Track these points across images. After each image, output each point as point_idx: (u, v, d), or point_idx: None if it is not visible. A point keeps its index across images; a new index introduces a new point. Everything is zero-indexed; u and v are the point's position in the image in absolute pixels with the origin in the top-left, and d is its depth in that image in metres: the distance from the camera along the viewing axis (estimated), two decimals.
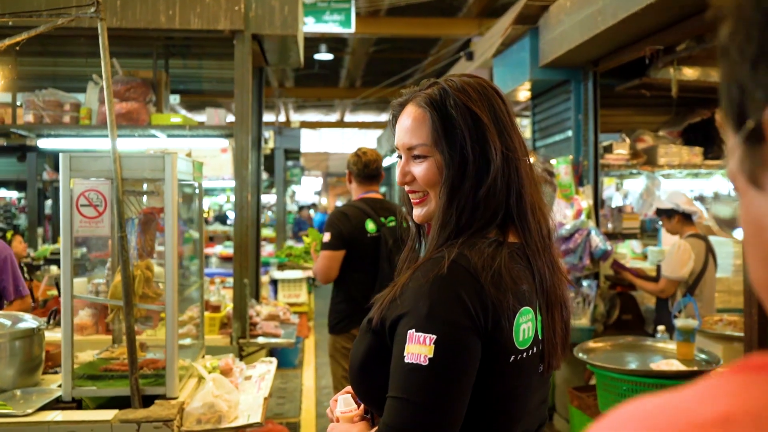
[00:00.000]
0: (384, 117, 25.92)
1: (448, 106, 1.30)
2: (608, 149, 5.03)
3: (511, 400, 1.26)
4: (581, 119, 4.88)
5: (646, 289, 4.53)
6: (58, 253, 7.49)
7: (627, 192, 5.90)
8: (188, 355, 3.61)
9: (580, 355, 3.41)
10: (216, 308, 4.73)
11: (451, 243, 1.27)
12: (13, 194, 12.57)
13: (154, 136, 5.15)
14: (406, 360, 1.17)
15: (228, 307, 4.79)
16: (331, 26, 12.89)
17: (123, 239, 2.90)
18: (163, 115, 4.75)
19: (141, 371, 3.12)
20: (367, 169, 4.06)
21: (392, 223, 4.07)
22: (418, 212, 1.39)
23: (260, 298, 5.77)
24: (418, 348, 1.16)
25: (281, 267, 9.37)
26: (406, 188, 1.40)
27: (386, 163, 18.30)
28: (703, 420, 0.39)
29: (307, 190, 24.82)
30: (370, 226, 4.00)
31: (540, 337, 1.30)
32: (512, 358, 1.23)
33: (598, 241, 4.53)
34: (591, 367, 3.38)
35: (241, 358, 4.64)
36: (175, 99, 5.74)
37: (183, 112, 16.36)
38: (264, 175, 12.94)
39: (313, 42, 16.73)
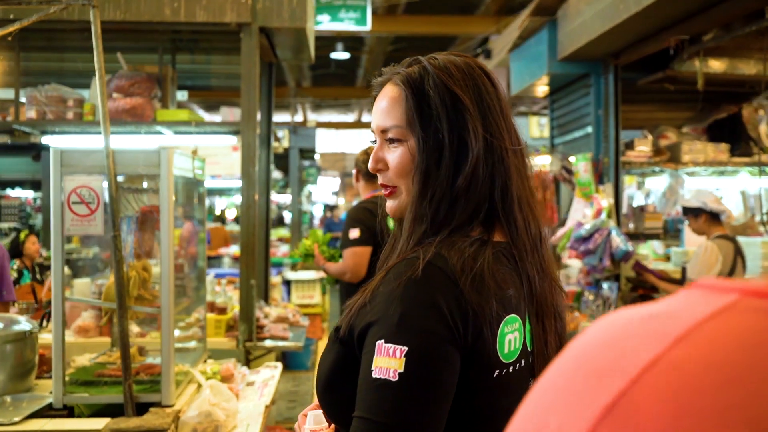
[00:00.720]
0: None
1: (426, 85, 1.15)
2: (629, 146, 4.82)
3: (496, 421, 1.08)
4: (601, 114, 4.68)
5: (669, 292, 4.33)
6: (71, 253, 7.42)
7: (649, 191, 5.69)
8: (189, 360, 3.46)
9: None
10: (222, 310, 4.58)
11: (428, 241, 1.12)
12: (28, 194, 12.55)
13: (159, 133, 5.01)
14: (374, 375, 1.01)
15: (235, 309, 4.64)
16: (346, 24, 12.76)
17: (116, 238, 2.75)
18: (168, 111, 4.62)
19: (137, 377, 2.98)
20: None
21: None
22: (390, 204, 1.25)
23: (270, 300, 5.63)
24: (387, 361, 1.01)
25: (294, 267, 9.23)
26: (379, 177, 1.25)
27: None
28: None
29: (324, 190, 24.69)
30: (391, 223, 3.87)
31: (529, 349, 1.15)
32: (496, 373, 1.08)
33: (619, 241, 4.34)
34: None
35: (248, 361, 4.50)
36: (183, 95, 5.61)
37: (200, 112, 16.30)
38: (278, 175, 12.87)
39: (330, 41, 16.60)
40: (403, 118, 1.16)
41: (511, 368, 1.10)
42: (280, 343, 4.51)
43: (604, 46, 4.31)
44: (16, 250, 6.08)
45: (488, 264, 1.07)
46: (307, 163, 15.98)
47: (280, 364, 3.56)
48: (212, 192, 17.55)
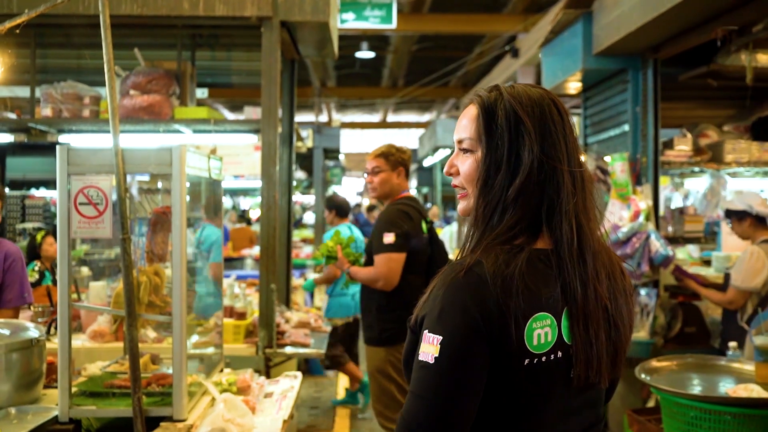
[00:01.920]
0: (427, 117, 25.54)
1: (497, 107, 1.35)
2: (668, 145, 4.58)
3: (534, 404, 1.28)
4: (639, 112, 4.44)
5: (712, 299, 4.08)
6: (93, 254, 7.30)
7: (688, 192, 5.42)
8: (205, 369, 3.29)
9: (643, 376, 3.00)
10: (241, 315, 4.42)
11: (477, 246, 1.32)
12: (52, 193, 12.53)
13: (178, 131, 4.87)
14: (419, 358, 1.26)
15: (255, 314, 4.47)
16: (372, 22, 12.58)
17: (126, 242, 2.59)
18: (186, 109, 4.47)
19: (148, 388, 2.81)
20: (408, 166, 3.88)
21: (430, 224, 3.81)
22: (460, 206, 1.43)
23: (291, 304, 5.46)
24: (428, 347, 1.24)
25: (318, 269, 9.06)
26: (452, 181, 1.44)
27: (427, 162, 17.91)
28: None
29: (349, 190, 24.55)
30: (424, 226, 3.70)
31: (569, 343, 1.30)
32: (527, 362, 1.25)
33: (658, 245, 4.10)
34: (656, 390, 2.96)
35: (268, 368, 4.33)
36: (203, 93, 5.46)
37: (224, 112, 16.22)
38: (302, 176, 12.73)
39: (355, 40, 16.44)
40: (474, 133, 1.37)
41: (543, 358, 1.26)
42: (301, 350, 4.33)
43: (644, 39, 4.08)
44: (34, 252, 5.96)
45: (520, 268, 1.25)
46: (331, 163, 15.82)
47: (299, 374, 3.37)
48: (237, 192, 17.47)
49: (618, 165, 4.47)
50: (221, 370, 3.37)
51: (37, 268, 5.90)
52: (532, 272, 1.27)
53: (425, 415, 1.23)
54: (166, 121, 4.44)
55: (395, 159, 3.83)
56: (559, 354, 1.29)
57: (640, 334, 4.20)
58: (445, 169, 1.45)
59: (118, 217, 2.59)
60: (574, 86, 5.29)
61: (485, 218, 1.33)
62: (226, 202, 14.05)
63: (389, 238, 3.57)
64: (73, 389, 2.72)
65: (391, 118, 26.34)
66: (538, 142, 1.30)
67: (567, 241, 1.30)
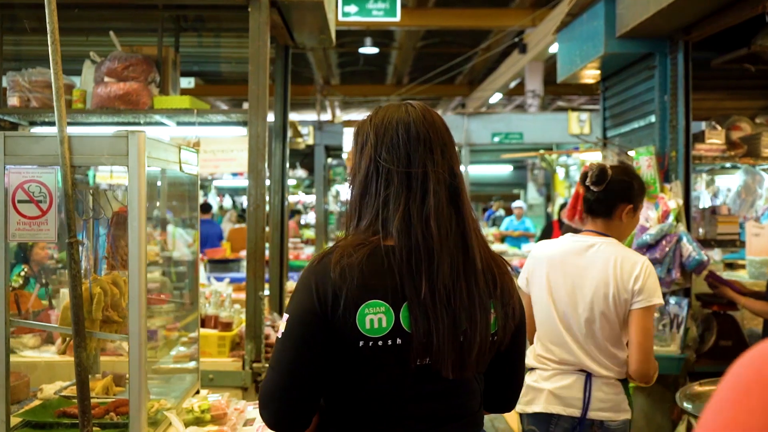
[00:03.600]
0: None
1: (360, 128, 1.59)
2: (698, 138, 4.14)
3: (372, 382, 1.46)
4: (668, 101, 4.01)
5: (752, 309, 3.64)
6: None
7: (717, 189, 4.98)
8: (177, 390, 2.88)
9: (685, 404, 2.56)
10: (227, 325, 4.00)
11: (339, 240, 1.53)
12: None
13: (162, 123, 4.45)
14: (277, 335, 1.48)
15: (242, 324, 4.05)
16: (375, 16, 12.16)
17: (73, 246, 2.17)
18: (166, 98, 4.05)
19: (106, 417, 2.40)
20: None
21: None
22: None
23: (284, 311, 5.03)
24: (281, 325, 1.47)
25: None
26: None
27: None
28: None
29: None
30: None
31: (408, 331, 1.42)
32: (361, 343, 1.42)
33: (690, 249, 3.67)
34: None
35: (257, 384, 3.91)
36: (189, 82, 5.05)
37: (226, 108, 15.81)
38: (303, 174, 12.32)
39: (358, 35, 16.04)
40: (351, 152, 1.61)
41: (380, 342, 1.42)
42: None
43: (676, 18, 3.65)
44: (23, 255, 5.56)
45: (358, 259, 1.42)
46: (334, 162, 15.39)
47: None
48: (238, 191, 17.07)
49: (644, 160, 4.04)
50: (197, 392, 2.95)
51: (23, 273, 5.49)
52: (371, 264, 1.42)
53: (273, 382, 1.45)
54: (144, 111, 4.02)
55: None
56: (398, 341, 1.42)
57: (670, 348, 3.77)
58: None
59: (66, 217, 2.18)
60: (591, 74, 4.85)
61: (349, 217, 1.55)
62: (226, 201, 13.63)
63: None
64: (15, 420, 2.31)
65: None
66: (375, 149, 1.50)
67: (396, 237, 1.45)
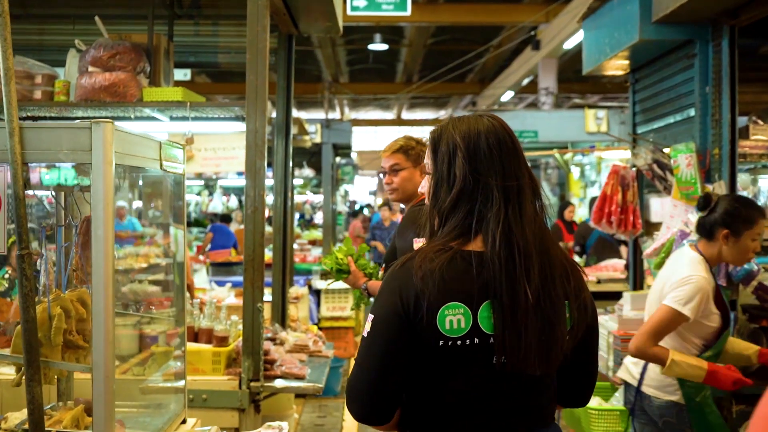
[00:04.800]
0: (442, 114, 24.71)
1: (441, 137, 1.67)
2: (741, 134, 3.75)
3: (452, 380, 1.55)
4: (710, 93, 3.62)
5: None
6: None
7: (759, 190, 4.59)
8: (160, 419, 2.52)
9: None
10: (222, 340, 3.64)
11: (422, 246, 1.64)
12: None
13: (154, 118, 4.10)
14: (362, 334, 1.59)
15: (240, 338, 3.68)
16: (385, 10, 11.78)
17: (25, 260, 1.81)
18: (156, 90, 3.69)
19: None
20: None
21: None
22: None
23: (287, 320, 4.68)
24: (367, 325, 1.58)
25: (326, 276, 8.27)
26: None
27: None
28: None
29: (362, 190, 23.72)
30: None
31: (486, 332, 1.53)
32: (441, 343, 1.53)
33: None
34: None
35: (256, 404, 3.56)
36: (185, 74, 4.69)
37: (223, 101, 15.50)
38: (310, 173, 11.95)
39: (368, 31, 15.67)
40: (428, 159, 1.69)
41: (459, 342, 1.53)
42: (294, 383, 3.55)
43: (720, 1, 3.26)
44: (5, 257, 5.22)
45: (440, 264, 1.53)
46: (343, 161, 15.02)
47: (285, 426, 2.58)
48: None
49: (682, 158, 3.65)
50: (183, 421, 2.59)
51: (7, 276, 5.16)
52: (452, 269, 1.54)
53: (359, 379, 1.58)
54: (133, 104, 3.67)
55: (416, 153, 3.20)
56: (476, 340, 1.53)
57: None
58: (418, 191, 1.90)
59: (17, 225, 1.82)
60: (620, 65, 4.46)
61: (432, 226, 1.65)
62: (231, 201, 13.28)
63: (420, 243, 2.77)
64: None
65: (406, 115, 25.54)
66: (469, 162, 1.59)
67: (492, 244, 1.54)
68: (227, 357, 3.60)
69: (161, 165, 2.29)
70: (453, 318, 1.51)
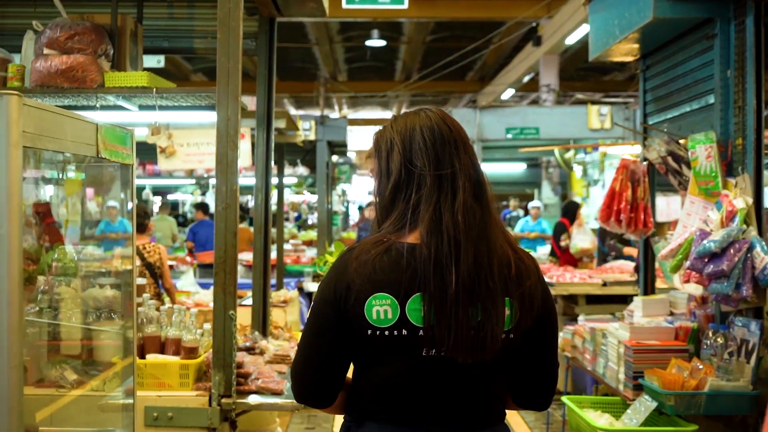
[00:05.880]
0: None
1: (382, 135, 1.73)
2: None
3: (382, 368, 1.60)
4: (731, 77, 3.26)
5: None
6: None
7: None
8: None
9: None
10: (191, 351, 3.29)
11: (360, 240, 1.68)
12: None
13: (122, 108, 3.76)
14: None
15: (211, 349, 3.33)
16: (382, 3, 11.44)
17: None
18: (118, 74, 3.34)
19: None
20: None
21: None
22: None
23: (269, 327, 4.32)
24: (308, 313, 1.69)
25: (318, 278, 7.92)
26: None
27: None
28: None
29: (360, 189, 23.33)
30: None
31: (414, 323, 1.56)
32: (369, 332, 1.58)
33: (766, 259, 2.92)
34: None
35: (232, 422, 3.21)
36: (159, 61, 4.34)
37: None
38: (304, 172, 11.59)
39: (365, 27, 15.33)
40: (372, 158, 1.75)
41: (386, 332, 1.57)
42: (270, 400, 3.19)
43: None
44: None
45: (375, 257, 1.57)
46: (340, 160, 14.67)
47: None
48: (242, 189, 16.29)
49: (701, 149, 3.30)
50: None
51: None
52: (383, 260, 1.57)
53: (297, 359, 1.67)
54: (93, 90, 3.31)
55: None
56: (404, 332, 1.56)
57: (738, 382, 3.03)
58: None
59: None
60: (629, 50, 4.11)
61: (379, 220, 1.69)
62: None
63: None
64: None
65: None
66: (404, 154, 1.64)
67: (423, 234, 1.57)
68: (196, 370, 3.25)
69: (98, 151, 1.94)
70: (380, 309, 1.56)
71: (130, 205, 2.56)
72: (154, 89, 3.32)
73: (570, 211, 10.40)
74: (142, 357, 3.27)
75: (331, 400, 1.67)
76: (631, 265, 6.86)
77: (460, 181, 1.59)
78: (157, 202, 16.49)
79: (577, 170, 13.17)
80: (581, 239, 8.90)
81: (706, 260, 3.02)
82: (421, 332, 1.55)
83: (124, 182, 2.24)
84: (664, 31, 3.64)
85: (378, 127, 1.79)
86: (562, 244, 9.77)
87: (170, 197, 17.91)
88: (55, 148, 1.70)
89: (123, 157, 2.10)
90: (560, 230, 10.48)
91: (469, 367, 1.57)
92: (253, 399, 3.18)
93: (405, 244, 1.57)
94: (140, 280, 3.75)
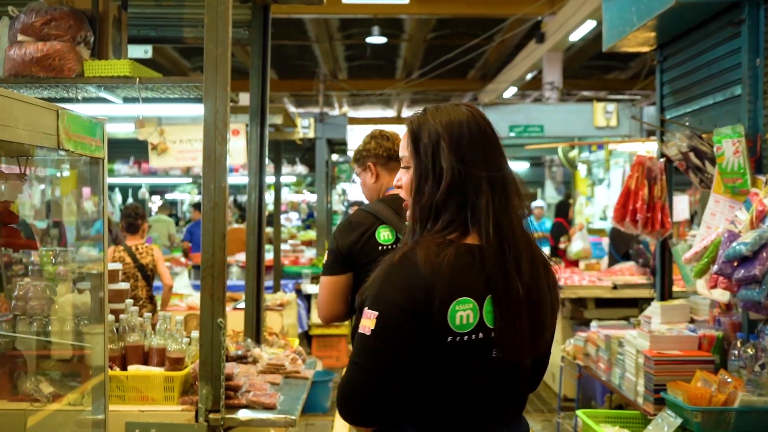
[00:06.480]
0: None
1: (422, 128, 1.61)
2: None
3: (455, 376, 1.54)
4: (761, 66, 3.02)
5: None
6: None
7: None
8: None
9: None
10: (177, 362, 3.05)
11: (415, 240, 1.57)
12: None
13: (105, 100, 3.52)
14: (359, 331, 1.53)
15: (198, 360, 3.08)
16: (382, 0, 11.22)
17: None
18: (99, 63, 3.10)
19: None
20: (391, 153, 3.00)
21: None
22: (407, 215, 1.65)
23: (263, 333, 4.08)
24: (366, 322, 1.51)
25: (316, 280, 7.67)
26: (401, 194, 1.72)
27: None
28: None
29: (360, 188, 23.13)
30: (384, 234, 2.76)
31: (489, 326, 1.54)
32: (449, 339, 1.51)
33: None
34: None
35: None
36: (146, 51, 4.10)
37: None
38: (303, 170, 11.34)
39: (365, 24, 15.09)
40: (408, 151, 1.64)
41: (465, 337, 1.52)
42: (262, 415, 2.96)
43: None
44: None
45: (448, 258, 1.50)
46: (341, 158, 14.42)
47: None
48: (240, 188, 16.09)
49: (728, 144, 3.06)
50: None
51: None
52: (458, 263, 1.51)
53: (362, 378, 1.52)
54: (71, 80, 3.07)
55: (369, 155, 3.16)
56: (480, 335, 1.53)
57: (766, 398, 2.79)
58: (393, 183, 1.81)
59: None
60: (644, 39, 3.86)
61: (421, 221, 1.59)
62: None
63: (325, 258, 2.84)
64: None
65: (406, 113, 24.95)
66: (454, 152, 1.55)
67: (486, 237, 1.54)
68: (182, 382, 3.01)
69: (60, 142, 1.70)
70: (463, 313, 1.51)
71: (109, 205, 2.31)
72: (137, 79, 3.08)
73: (563, 210, 10.17)
74: (124, 368, 3.04)
75: (385, 418, 1.57)
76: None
77: (510, 185, 1.59)
78: (156, 201, 16.26)
79: (582, 169, 12.92)
80: (577, 243, 8.78)
81: (736, 264, 2.77)
82: (493, 334, 1.54)
83: (93, 178, 2.00)
84: (686, 18, 3.39)
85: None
86: (561, 246, 9.56)
87: (168, 196, 17.66)
88: (3, 137, 1.46)
89: (91, 149, 1.86)
90: (559, 231, 10.26)
91: (525, 367, 1.63)
92: (243, 414, 2.94)
93: (473, 245, 1.55)
94: (123, 285, 3.50)
